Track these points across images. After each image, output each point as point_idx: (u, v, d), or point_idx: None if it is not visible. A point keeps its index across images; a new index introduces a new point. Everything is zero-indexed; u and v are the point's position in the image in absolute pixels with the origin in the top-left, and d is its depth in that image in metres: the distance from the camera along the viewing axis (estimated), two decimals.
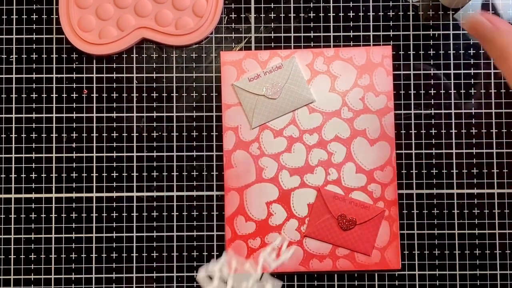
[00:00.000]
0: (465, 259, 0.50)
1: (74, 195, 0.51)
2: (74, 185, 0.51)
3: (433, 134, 0.51)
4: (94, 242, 0.51)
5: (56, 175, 0.52)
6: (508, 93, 0.52)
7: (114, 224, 0.51)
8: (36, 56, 0.52)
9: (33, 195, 0.51)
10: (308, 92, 0.51)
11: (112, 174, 0.51)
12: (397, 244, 0.50)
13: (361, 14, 0.52)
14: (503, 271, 0.50)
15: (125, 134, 0.52)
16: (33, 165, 0.52)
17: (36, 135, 0.52)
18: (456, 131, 0.51)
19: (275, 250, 0.48)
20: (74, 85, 0.52)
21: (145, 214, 0.51)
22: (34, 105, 0.52)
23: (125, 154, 0.51)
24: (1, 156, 0.52)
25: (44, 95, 0.52)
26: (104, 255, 0.51)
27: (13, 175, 0.52)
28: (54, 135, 0.52)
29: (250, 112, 0.51)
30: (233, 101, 0.51)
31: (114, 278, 0.51)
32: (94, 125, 0.52)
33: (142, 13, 0.52)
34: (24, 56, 0.52)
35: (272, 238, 0.50)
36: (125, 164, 0.51)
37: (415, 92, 0.52)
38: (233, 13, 0.53)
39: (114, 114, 0.52)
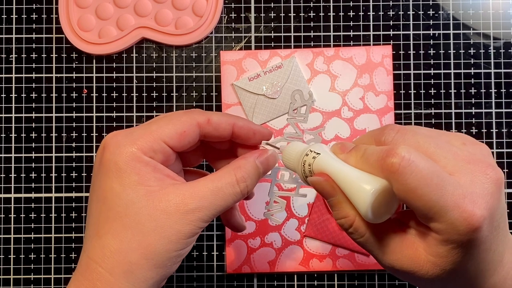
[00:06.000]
0: None
1: (74, 194, 0.51)
2: (73, 184, 0.51)
3: None
4: None
5: (56, 174, 0.51)
6: (508, 93, 0.52)
7: None
8: (36, 55, 0.52)
9: (32, 195, 0.51)
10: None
11: None
12: None
13: (361, 13, 0.52)
14: None
15: None
16: (33, 165, 0.52)
17: (36, 135, 0.52)
18: (456, 131, 0.51)
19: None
20: (74, 85, 0.52)
21: None
22: (33, 105, 0.52)
23: None
24: (1, 155, 0.52)
25: (43, 95, 0.52)
26: None
27: (12, 175, 0.51)
28: (54, 135, 0.52)
29: (250, 111, 0.51)
30: (233, 100, 0.51)
31: None
32: (94, 124, 0.52)
33: (142, 12, 0.52)
34: (23, 55, 0.52)
35: (272, 237, 0.50)
36: None
37: (415, 92, 0.52)
38: (233, 12, 0.52)
39: (114, 114, 0.52)
